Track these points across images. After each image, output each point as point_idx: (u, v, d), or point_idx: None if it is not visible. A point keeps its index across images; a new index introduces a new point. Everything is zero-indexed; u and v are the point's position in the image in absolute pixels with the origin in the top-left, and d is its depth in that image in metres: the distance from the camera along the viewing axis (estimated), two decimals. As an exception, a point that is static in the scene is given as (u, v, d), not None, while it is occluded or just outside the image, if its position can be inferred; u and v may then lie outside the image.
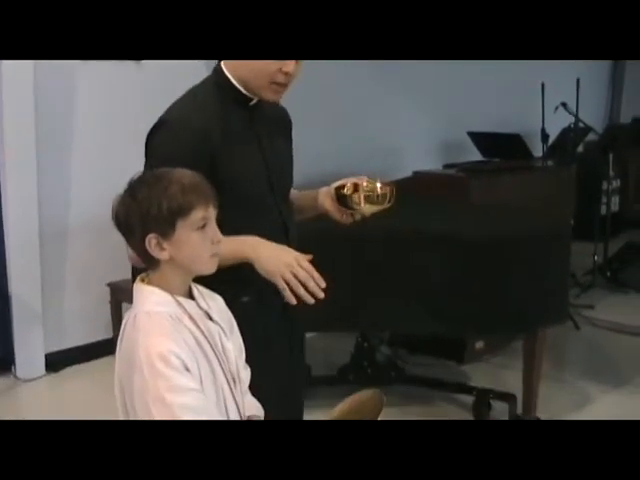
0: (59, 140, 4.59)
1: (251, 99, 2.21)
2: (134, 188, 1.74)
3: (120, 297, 4.59)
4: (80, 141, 4.66)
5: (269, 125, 2.29)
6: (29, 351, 4.55)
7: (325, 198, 2.33)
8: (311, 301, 2.01)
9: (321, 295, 2.00)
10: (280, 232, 2.24)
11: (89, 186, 4.62)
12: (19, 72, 4.25)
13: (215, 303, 1.90)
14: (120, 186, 1.79)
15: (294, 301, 2.01)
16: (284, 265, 2.00)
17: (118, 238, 1.83)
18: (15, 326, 4.50)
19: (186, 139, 2.08)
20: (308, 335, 4.51)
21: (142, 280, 1.81)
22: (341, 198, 2.27)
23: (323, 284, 2.01)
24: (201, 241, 1.75)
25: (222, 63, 2.21)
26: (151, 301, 1.75)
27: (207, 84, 2.24)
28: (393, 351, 4.65)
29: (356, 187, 2.24)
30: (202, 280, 1.83)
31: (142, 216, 1.70)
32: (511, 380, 4.24)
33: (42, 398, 4.41)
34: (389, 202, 2.26)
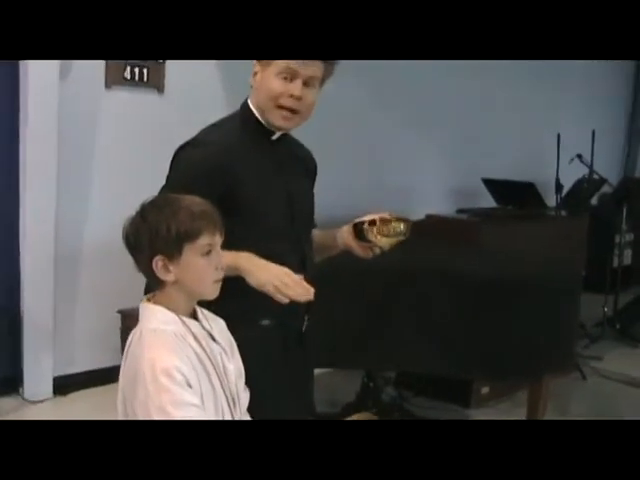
0: (80, 164, 4.66)
1: (273, 133, 2.28)
2: (145, 210, 1.81)
3: (131, 324, 4.53)
4: (100, 166, 4.74)
5: (292, 161, 2.38)
6: (38, 373, 4.58)
7: (346, 235, 2.40)
8: (303, 300, 2.08)
9: (311, 296, 2.08)
10: (298, 262, 2.29)
11: (106, 211, 4.68)
12: (44, 96, 4.35)
13: (217, 325, 1.96)
14: (137, 212, 1.85)
15: (286, 301, 2.06)
16: (274, 276, 2.07)
17: (132, 265, 1.88)
18: (25, 347, 4.54)
19: (204, 163, 2.17)
20: (314, 372, 4.56)
21: (148, 300, 1.87)
22: (358, 233, 2.35)
23: (312, 290, 2.08)
24: (206, 266, 1.81)
25: (248, 98, 2.30)
26: (157, 319, 1.82)
27: (234, 116, 2.34)
28: (399, 392, 4.65)
29: (373, 222, 2.31)
30: (223, 302, 1.89)
31: (150, 237, 1.77)
32: (515, 427, 4.23)
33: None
34: (405, 235, 2.34)
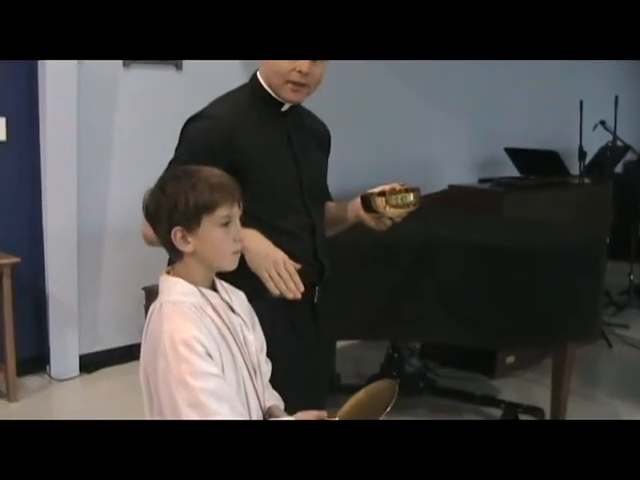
0: (99, 144, 4.68)
1: (282, 104, 2.28)
2: (165, 182, 1.82)
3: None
4: (120, 146, 4.76)
5: (303, 133, 2.36)
6: (64, 351, 4.63)
7: (357, 206, 2.36)
8: (290, 297, 2.08)
9: (299, 296, 2.09)
10: (307, 234, 2.28)
11: (128, 190, 4.69)
12: (63, 77, 4.37)
13: (237, 297, 1.96)
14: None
15: (277, 292, 2.08)
16: (272, 262, 2.08)
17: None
18: (51, 326, 4.59)
19: (209, 136, 2.17)
20: (339, 344, 4.57)
21: (167, 272, 1.88)
22: (366, 203, 2.30)
23: (302, 288, 2.09)
24: (224, 238, 1.81)
25: (258, 70, 2.29)
26: (176, 291, 1.82)
27: (244, 89, 2.34)
28: (424, 363, 4.64)
29: (381, 193, 2.27)
30: (234, 273, 1.88)
31: (169, 209, 1.78)
32: (541, 396, 4.22)
33: (75, 398, 4.48)
34: (415, 205, 2.29)
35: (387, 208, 2.26)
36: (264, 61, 2.25)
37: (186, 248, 1.80)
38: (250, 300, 2.01)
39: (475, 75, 6.71)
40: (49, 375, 4.61)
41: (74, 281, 4.61)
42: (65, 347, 4.63)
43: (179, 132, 2.30)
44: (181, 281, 1.83)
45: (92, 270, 4.74)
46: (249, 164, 2.17)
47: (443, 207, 4.84)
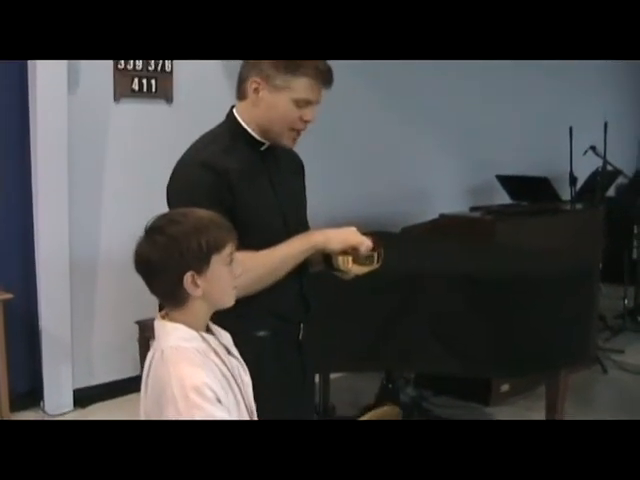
0: (91, 176, 4.68)
1: (262, 143, 2.28)
2: (162, 227, 1.76)
3: (149, 335, 4.62)
4: (111, 177, 4.75)
5: (280, 167, 2.36)
6: (58, 386, 4.60)
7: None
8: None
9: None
10: (294, 272, 2.26)
11: (119, 223, 4.69)
12: (53, 110, 4.38)
13: (227, 338, 1.95)
14: (150, 223, 1.82)
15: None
16: (349, 233, 2.23)
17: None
18: (44, 361, 4.55)
19: (207, 179, 2.14)
20: (334, 376, 4.55)
21: (162, 317, 1.83)
22: (327, 259, 2.26)
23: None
24: (228, 277, 1.80)
25: (234, 110, 2.30)
26: (177, 336, 1.78)
27: (221, 128, 2.33)
28: (418, 392, 4.63)
29: (344, 251, 2.23)
30: (219, 315, 1.87)
31: (181, 253, 1.72)
32: (536, 423, 4.20)
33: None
34: (377, 262, 2.26)
35: (350, 266, 2.23)
36: (258, 103, 2.22)
37: (196, 292, 1.76)
38: (237, 334, 1.98)
39: (466, 103, 6.75)
40: (43, 410, 4.58)
41: (67, 315, 4.59)
42: (59, 382, 4.60)
43: (171, 164, 2.26)
44: (181, 327, 1.79)
45: (85, 304, 4.72)
46: (243, 208, 2.17)
47: (434, 236, 4.85)
